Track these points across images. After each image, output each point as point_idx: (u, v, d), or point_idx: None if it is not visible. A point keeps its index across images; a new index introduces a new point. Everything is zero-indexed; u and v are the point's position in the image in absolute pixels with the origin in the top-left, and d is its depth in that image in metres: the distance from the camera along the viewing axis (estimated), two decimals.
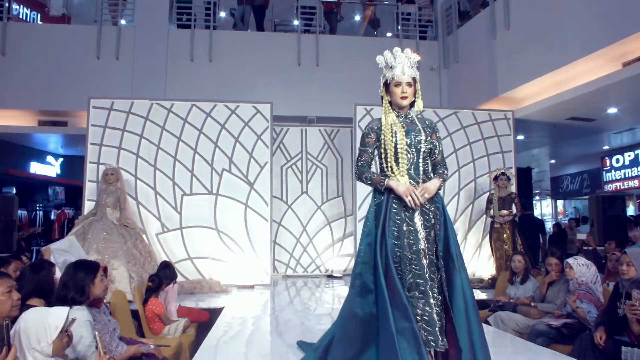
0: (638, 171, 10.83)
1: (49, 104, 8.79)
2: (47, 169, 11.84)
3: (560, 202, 16.21)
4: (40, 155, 11.56)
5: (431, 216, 2.69)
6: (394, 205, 2.66)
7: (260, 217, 6.72)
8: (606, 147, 11.47)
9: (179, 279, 5.44)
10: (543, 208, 17.50)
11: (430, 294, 2.52)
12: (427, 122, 2.86)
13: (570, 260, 4.07)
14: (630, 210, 12.07)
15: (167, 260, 5.22)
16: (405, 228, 2.62)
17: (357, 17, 12.05)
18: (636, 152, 10.80)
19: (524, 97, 8.10)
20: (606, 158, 11.70)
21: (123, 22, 9.26)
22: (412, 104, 2.85)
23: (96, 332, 2.51)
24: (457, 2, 9.50)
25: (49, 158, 11.84)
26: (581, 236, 8.80)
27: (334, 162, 7.86)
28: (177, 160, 6.65)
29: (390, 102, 2.82)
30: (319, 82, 9.14)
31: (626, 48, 6.07)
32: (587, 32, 6.27)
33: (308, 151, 7.81)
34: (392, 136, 2.73)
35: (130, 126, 6.65)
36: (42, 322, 1.93)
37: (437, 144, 2.81)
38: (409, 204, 2.59)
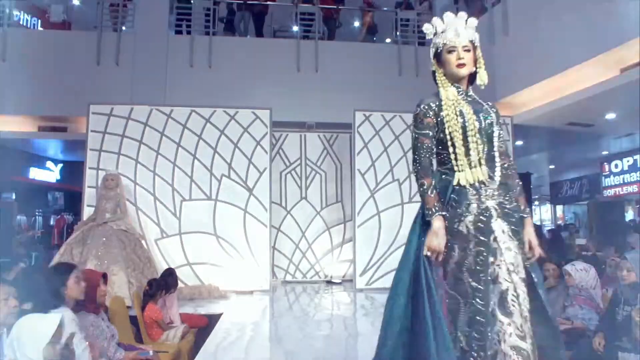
0: (637, 176, 10.84)
1: (49, 110, 8.81)
2: (47, 174, 11.85)
3: (559, 208, 16.22)
4: (39, 160, 11.57)
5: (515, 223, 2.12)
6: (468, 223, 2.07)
7: (259, 222, 6.71)
8: (605, 153, 11.49)
9: (179, 284, 5.42)
10: (542, 213, 17.51)
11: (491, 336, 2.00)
12: (489, 102, 2.27)
13: (568, 267, 4.05)
14: (629, 216, 12.07)
15: (170, 267, 5.19)
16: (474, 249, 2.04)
17: (357, 23, 12.10)
18: (635, 157, 10.82)
19: (523, 103, 8.12)
20: (605, 163, 11.72)
21: (123, 28, 9.30)
22: (472, 80, 2.26)
23: (86, 343, 2.48)
24: (456, 8, 9.54)
25: (49, 163, 11.85)
26: (580, 241, 8.80)
27: (333, 167, 7.87)
28: (176, 166, 6.65)
29: (445, 76, 2.23)
30: (318, 87, 9.16)
31: (624, 54, 6.09)
32: (586, 38, 6.29)
33: (307, 157, 7.81)
34: (456, 115, 2.13)
35: (130, 132, 6.66)
36: (33, 329, 1.91)
37: (502, 130, 2.24)
38: (424, 252, 2.06)
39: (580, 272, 3.95)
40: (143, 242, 5.99)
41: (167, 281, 4.50)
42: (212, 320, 4.57)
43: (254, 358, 3.47)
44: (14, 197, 10.85)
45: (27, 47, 8.73)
